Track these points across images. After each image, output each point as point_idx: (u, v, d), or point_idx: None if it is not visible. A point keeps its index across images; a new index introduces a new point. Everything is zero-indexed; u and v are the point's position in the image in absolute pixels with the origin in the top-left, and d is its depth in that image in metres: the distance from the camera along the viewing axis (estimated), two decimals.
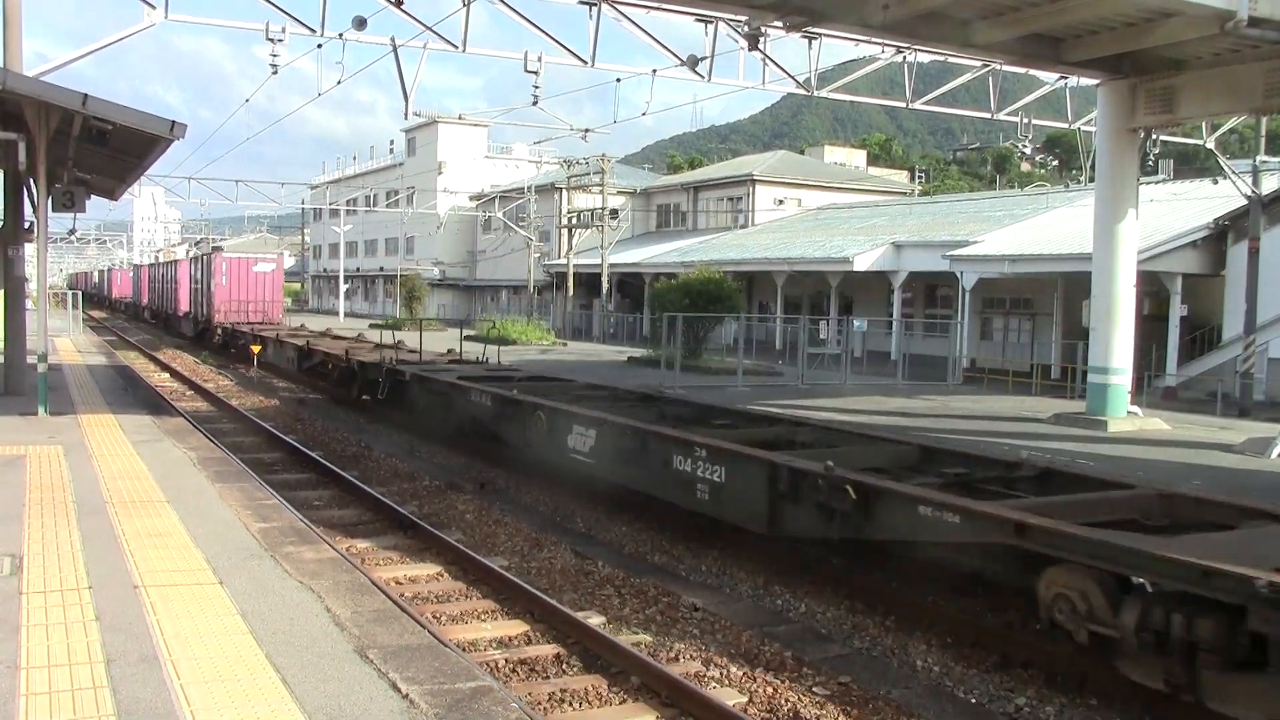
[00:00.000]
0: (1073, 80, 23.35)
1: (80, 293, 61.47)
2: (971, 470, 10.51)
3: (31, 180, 16.07)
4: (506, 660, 7.80)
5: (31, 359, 16.96)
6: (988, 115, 25.92)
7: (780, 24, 17.67)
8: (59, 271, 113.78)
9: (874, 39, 20.36)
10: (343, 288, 76.12)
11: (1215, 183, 30.43)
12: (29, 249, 18.44)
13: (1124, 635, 6.86)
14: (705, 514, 11.14)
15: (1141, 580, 6.92)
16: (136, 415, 15.75)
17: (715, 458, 10.73)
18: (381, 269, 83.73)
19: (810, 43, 21.43)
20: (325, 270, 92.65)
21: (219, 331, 39.28)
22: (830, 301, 42.03)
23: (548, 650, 8.04)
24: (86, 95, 12.62)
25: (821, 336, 37.49)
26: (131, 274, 77.82)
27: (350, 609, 6.56)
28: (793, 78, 23.17)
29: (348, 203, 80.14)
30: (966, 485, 9.86)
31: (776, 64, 22.69)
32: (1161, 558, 6.69)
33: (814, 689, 7.46)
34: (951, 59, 22.55)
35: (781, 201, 57.20)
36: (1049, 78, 23.82)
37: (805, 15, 16.89)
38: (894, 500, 8.74)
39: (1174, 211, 31.09)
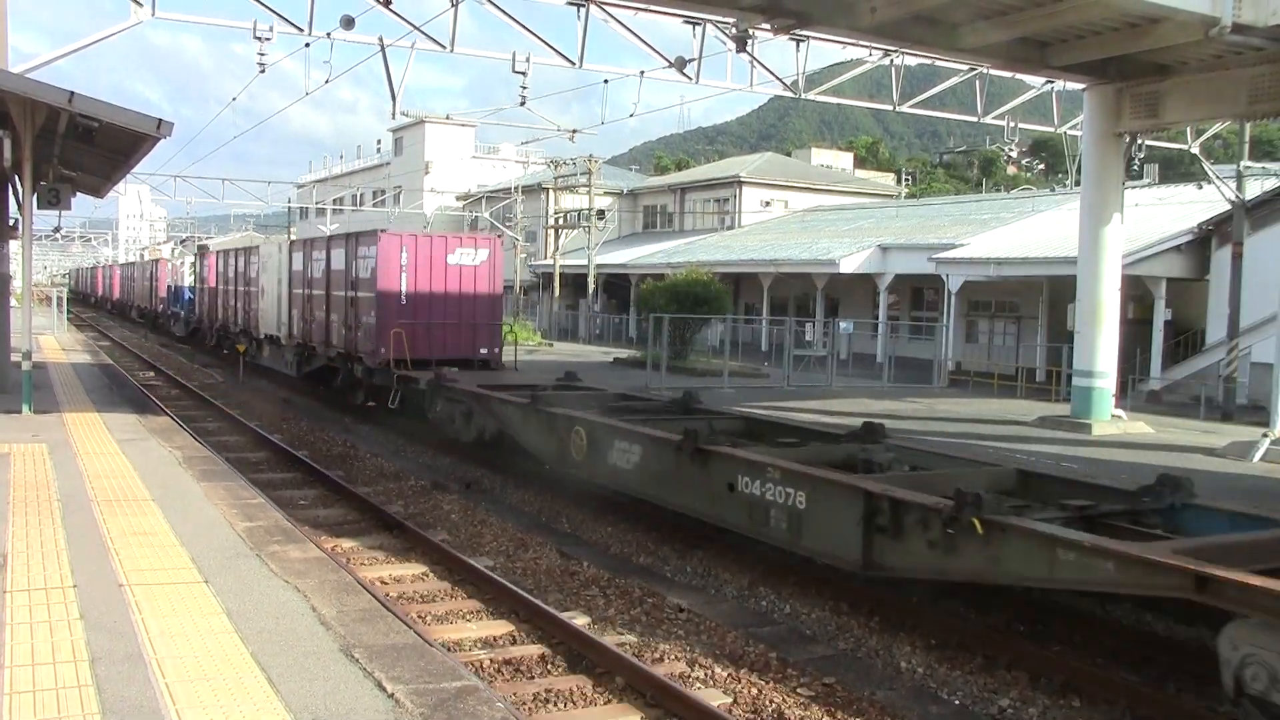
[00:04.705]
0: (1059, 84, 23.45)
1: (67, 291, 57.75)
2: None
3: (17, 177, 15.98)
4: (492, 660, 7.81)
5: (16, 357, 16.87)
6: (974, 119, 26.01)
7: (768, 26, 17.70)
8: (43, 269, 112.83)
9: (862, 41, 20.44)
10: None
11: (1200, 188, 30.58)
12: (14, 246, 18.36)
13: None
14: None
15: None
16: (121, 414, 15.68)
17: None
18: None
19: (798, 45, 21.47)
20: None
21: None
22: (816, 303, 42.08)
23: (533, 650, 8.04)
24: (73, 93, 12.54)
25: (807, 338, 37.55)
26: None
27: (336, 608, 6.56)
28: (780, 80, 23.23)
29: (334, 202, 79.79)
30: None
31: (764, 66, 22.74)
32: None
33: (798, 690, 7.49)
34: (939, 62, 22.63)
35: (768, 203, 57.25)
36: (1035, 81, 23.92)
37: (793, 17, 16.94)
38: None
39: (1159, 216, 31.25)
